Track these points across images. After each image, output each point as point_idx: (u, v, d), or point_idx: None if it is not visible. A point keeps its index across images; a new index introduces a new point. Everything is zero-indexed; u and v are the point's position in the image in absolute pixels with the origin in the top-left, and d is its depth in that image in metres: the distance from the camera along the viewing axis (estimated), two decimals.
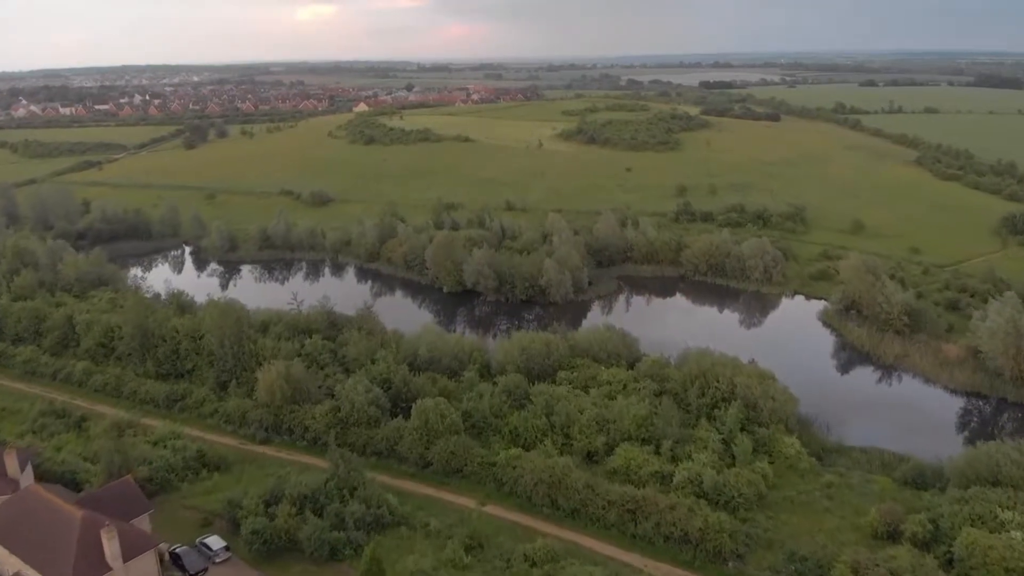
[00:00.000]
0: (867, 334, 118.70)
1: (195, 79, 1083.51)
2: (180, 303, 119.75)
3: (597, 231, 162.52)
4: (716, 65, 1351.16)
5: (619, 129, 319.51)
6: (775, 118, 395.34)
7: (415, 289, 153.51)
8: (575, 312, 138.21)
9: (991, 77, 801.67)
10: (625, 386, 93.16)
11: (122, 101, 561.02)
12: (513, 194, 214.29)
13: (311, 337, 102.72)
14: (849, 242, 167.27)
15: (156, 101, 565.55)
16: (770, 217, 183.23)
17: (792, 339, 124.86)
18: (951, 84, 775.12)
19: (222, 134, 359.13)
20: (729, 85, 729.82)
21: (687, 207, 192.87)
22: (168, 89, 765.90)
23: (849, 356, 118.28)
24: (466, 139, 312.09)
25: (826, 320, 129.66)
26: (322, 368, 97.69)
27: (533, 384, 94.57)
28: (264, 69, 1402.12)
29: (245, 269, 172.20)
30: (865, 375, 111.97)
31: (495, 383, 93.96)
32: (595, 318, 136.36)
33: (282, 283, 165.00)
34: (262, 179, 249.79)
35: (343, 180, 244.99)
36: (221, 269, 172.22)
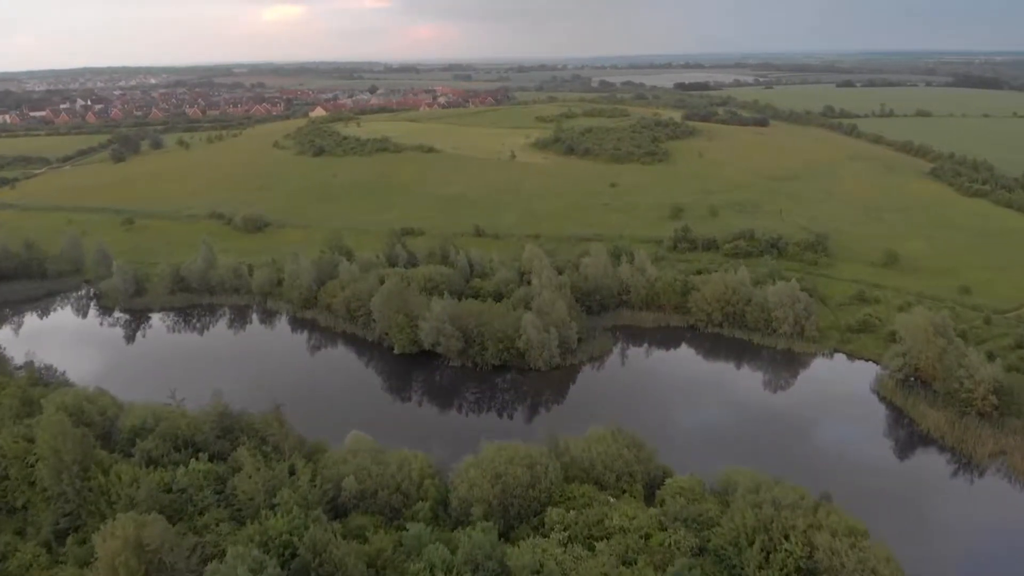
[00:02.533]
0: (945, 419, 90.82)
1: (152, 81, 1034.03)
2: (26, 396, 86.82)
3: (585, 269, 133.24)
4: (687, 66, 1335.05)
5: (600, 138, 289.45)
6: (763, 123, 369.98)
7: (359, 348, 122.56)
8: (561, 381, 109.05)
9: (969, 77, 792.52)
10: (648, 538, 63.66)
11: (61, 107, 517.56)
12: (483, 216, 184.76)
13: (190, 462, 71.29)
14: (884, 278, 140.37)
15: (97, 107, 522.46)
16: (786, 246, 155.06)
17: (843, 423, 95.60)
18: (928, 84, 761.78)
19: (156, 144, 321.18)
20: (705, 87, 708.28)
21: (686, 232, 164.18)
22: (116, 93, 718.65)
23: (920, 447, 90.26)
24: (430, 149, 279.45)
25: (883, 394, 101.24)
26: (201, 514, 66.67)
27: (511, 534, 65.15)
28: (227, 71, 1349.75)
29: (155, 318, 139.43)
30: (950, 482, 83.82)
31: (454, 531, 64.14)
32: (587, 387, 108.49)
33: (201, 333, 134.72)
34: (192, 198, 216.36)
35: (284, 200, 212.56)
36: (126, 318, 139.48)
